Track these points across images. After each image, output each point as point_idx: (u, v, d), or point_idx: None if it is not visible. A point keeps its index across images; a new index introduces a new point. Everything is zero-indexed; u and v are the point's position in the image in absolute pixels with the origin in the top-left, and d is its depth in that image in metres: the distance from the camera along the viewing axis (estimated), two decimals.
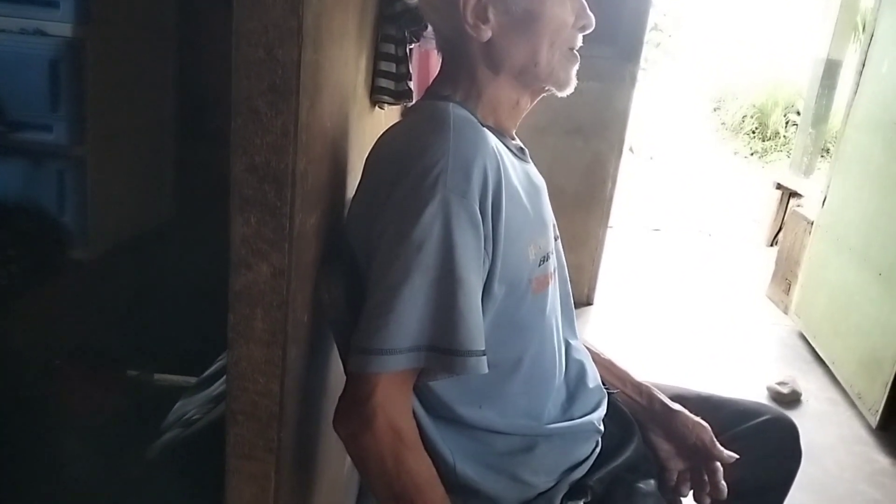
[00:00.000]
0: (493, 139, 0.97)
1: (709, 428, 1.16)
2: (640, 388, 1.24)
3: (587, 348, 1.24)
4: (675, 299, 3.73)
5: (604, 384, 1.19)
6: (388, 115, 1.41)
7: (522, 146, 1.11)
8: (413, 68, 1.68)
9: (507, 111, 1.05)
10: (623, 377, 1.26)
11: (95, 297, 1.82)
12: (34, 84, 1.50)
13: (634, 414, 1.22)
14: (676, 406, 1.20)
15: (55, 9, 1.49)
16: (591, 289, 3.39)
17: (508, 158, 1.00)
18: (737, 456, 1.14)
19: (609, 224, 3.41)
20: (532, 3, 0.98)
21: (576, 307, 3.44)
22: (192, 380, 1.91)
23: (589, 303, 3.39)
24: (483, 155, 0.91)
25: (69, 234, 1.62)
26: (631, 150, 7.57)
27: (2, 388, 1.59)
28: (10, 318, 1.58)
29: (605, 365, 1.26)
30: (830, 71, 4.41)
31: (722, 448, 1.14)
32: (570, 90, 1.06)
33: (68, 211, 1.61)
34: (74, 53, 1.52)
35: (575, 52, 1.05)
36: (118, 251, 1.80)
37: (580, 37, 1.04)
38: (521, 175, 1.03)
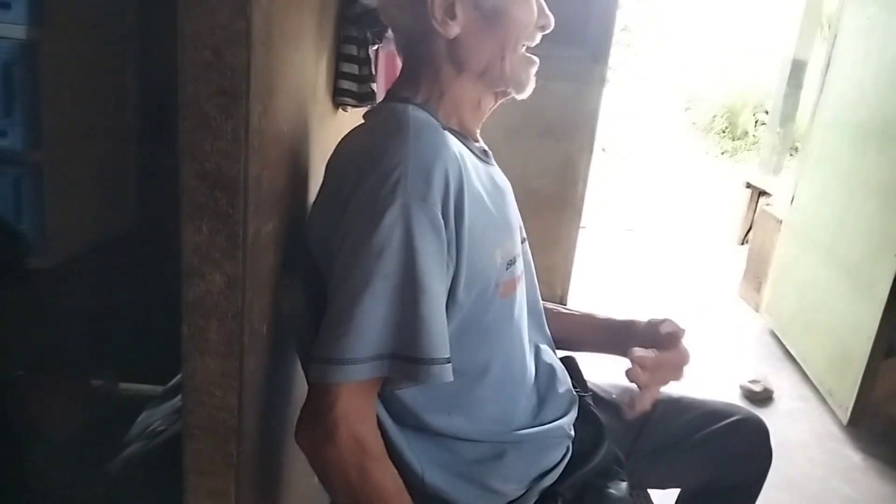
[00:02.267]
0: (454, 142, 0.95)
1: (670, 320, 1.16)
2: (619, 324, 1.23)
3: (560, 312, 1.25)
4: (648, 299, 3.74)
5: (574, 388, 1.17)
6: (353, 118, 1.38)
7: (486, 148, 1.09)
8: (380, 70, 1.66)
9: (470, 112, 1.04)
10: (604, 323, 1.25)
11: (56, 306, 1.77)
12: None
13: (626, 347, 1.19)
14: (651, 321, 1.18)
15: (7, 10, 1.44)
16: (564, 290, 3.39)
17: (471, 161, 0.99)
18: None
19: (581, 224, 3.42)
20: (501, 0, 0.97)
21: None
22: (159, 388, 1.87)
23: (562, 303, 3.38)
24: (443, 158, 0.89)
25: (27, 242, 1.57)
26: (603, 150, 7.60)
27: None
28: None
29: (585, 322, 1.27)
30: (796, 70, 4.46)
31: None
32: (528, 93, 1.05)
33: (25, 218, 1.56)
34: (28, 56, 1.47)
35: (533, 57, 1.04)
36: (79, 259, 1.76)
37: (539, 36, 1.03)
38: (484, 178, 1.01)
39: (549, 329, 1.20)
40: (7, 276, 1.56)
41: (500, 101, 1.07)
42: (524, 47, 1.02)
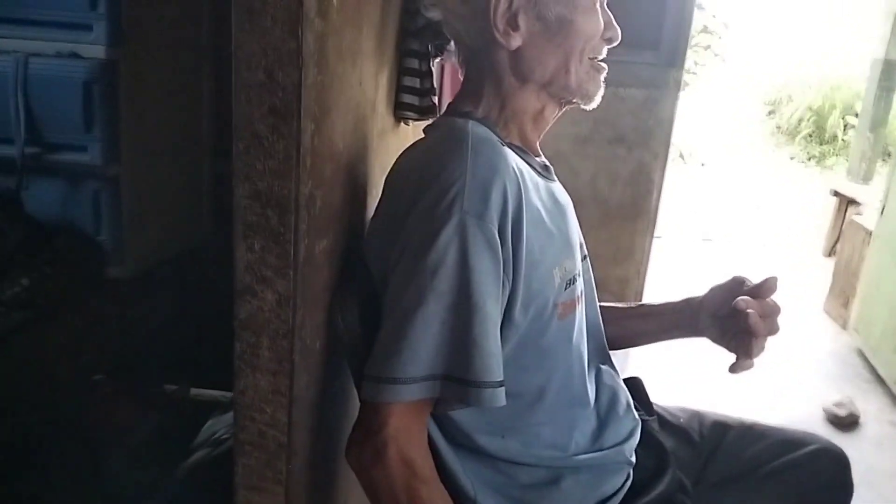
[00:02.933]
0: (513, 158, 0.93)
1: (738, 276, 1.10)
2: (679, 304, 1.18)
3: (618, 308, 1.21)
4: None
5: (637, 410, 1.13)
6: (415, 131, 1.38)
7: (547, 164, 1.06)
8: (446, 82, 1.65)
9: (531, 123, 1.02)
10: (662, 308, 1.21)
11: (133, 314, 1.85)
12: (69, 106, 1.53)
13: (684, 325, 1.16)
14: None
15: (89, 31, 1.52)
16: (638, 302, 3.29)
17: (530, 177, 0.96)
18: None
19: (657, 234, 3.32)
20: (565, 10, 0.95)
21: None
22: (229, 394, 1.92)
23: None
24: (502, 175, 0.87)
25: (105, 252, 1.64)
26: (681, 156, 7.39)
27: (42, 404, 1.62)
28: (49, 337, 1.61)
29: (643, 312, 1.24)
30: (889, 72, 4.23)
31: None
32: (596, 102, 1.02)
33: (104, 230, 1.63)
34: (108, 75, 1.54)
35: (601, 62, 1.01)
36: (155, 269, 1.82)
37: (605, 49, 1.00)
38: (544, 194, 0.99)
39: (606, 330, 1.16)
40: (87, 285, 1.63)
41: (564, 109, 1.04)
42: (593, 58, 0.99)
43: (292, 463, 0.81)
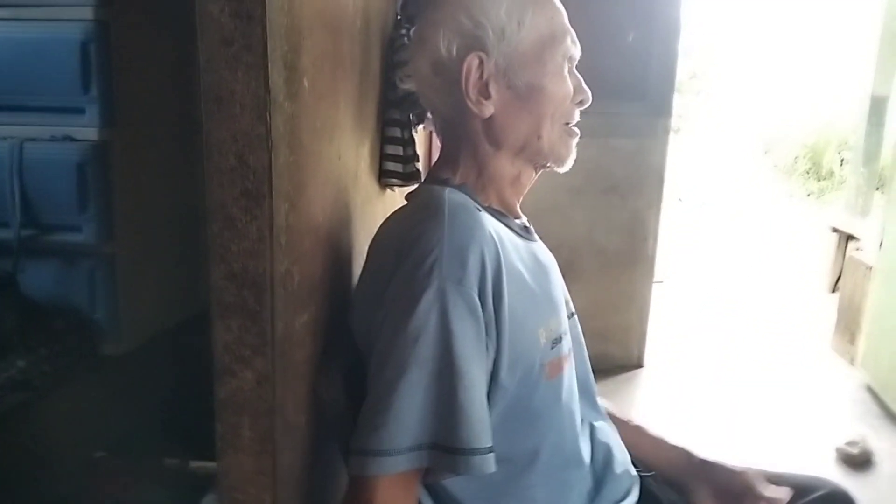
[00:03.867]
0: (490, 222, 0.94)
1: (754, 471, 1.08)
2: (677, 449, 1.16)
3: (613, 417, 1.18)
4: (732, 355, 3.56)
5: (635, 466, 1.12)
6: (402, 196, 1.40)
7: (527, 224, 1.08)
8: (435, 148, 1.69)
9: (509, 187, 1.03)
10: (657, 442, 1.18)
11: (129, 389, 1.84)
12: (63, 188, 1.55)
13: (678, 477, 1.13)
14: (717, 458, 1.12)
15: (81, 115, 1.55)
16: (641, 350, 3.27)
17: (510, 240, 0.97)
18: (789, 490, 1.04)
19: (657, 279, 3.32)
20: (534, 77, 0.97)
21: (626, 370, 3.30)
22: None
23: (639, 365, 3.26)
24: (478, 240, 0.88)
25: (101, 330, 1.65)
26: (680, 199, 7.43)
27: (42, 484, 1.60)
28: (46, 417, 1.60)
29: (635, 431, 1.19)
30: (876, 107, 4.27)
31: (771, 487, 1.05)
32: (568, 167, 1.04)
33: (99, 308, 1.64)
34: (101, 156, 1.57)
35: (573, 127, 1.03)
36: (152, 344, 1.83)
37: (577, 112, 1.02)
38: (525, 255, 1.00)
39: None
40: (83, 363, 1.64)
41: (540, 173, 1.06)
42: (565, 123, 1.01)
43: None
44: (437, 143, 1.68)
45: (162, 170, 1.80)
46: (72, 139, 1.56)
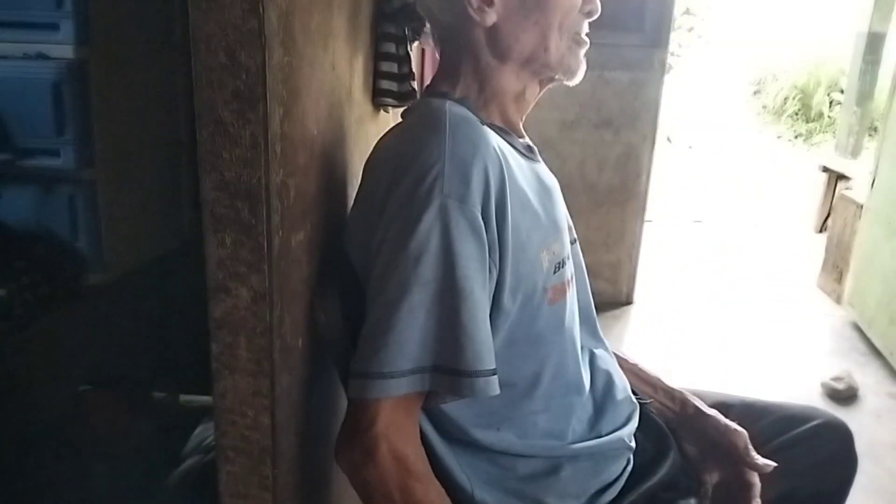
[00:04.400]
0: (495, 138, 0.89)
1: (744, 433, 1.06)
2: (672, 394, 1.15)
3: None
4: (720, 294, 3.57)
5: (634, 394, 1.10)
6: (396, 118, 1.34)
7: (531, 144, 1.03)
8: (427, 67, 1.61)
9: (513, 104, 0.98)
10: (653, 382, 1.17)
11: (116, 320, 1.80)
12: (39, 109, 1.48)
13: (667, 422, 1.13)
14: (711, 410, 1.11)
15: (55, 31, 1.47)
16: (631, 287, 3.27)
17: (514, 158, 0.93)
18: (773, 464, 1.03)
19: (647, 218, 3.29)
20: None
21: (615, 307, 3.31)
22: None
23: (629, 302, 3.27)
24: (483, 156, 0.83)
25: (84, 258, 1.60)
26: (668, 139, 7.37)
27: (27, 416, 1.57)
28: (30, 347, 1.56)
29: (632, 370, 1.17)
30: (873, 45, 4.20)
31: (757, 456, 1.04)
32: (579, 78, 0.98)
33: (82, 236, 1.59)
34: (77, 75, 1.49)
35: (583, 36, 0.97)
36: (137, 273, 1.78)
37: (586, 23, 0.97)
38: (529, 176, 0.95)
39: None
40: (66, 292, 1.59)
41: (546, 88, 1.00)
42: (574, 33, 0.96)
43: (278, 467, 0.77)
44: (429, 62, 1.61)
45: (143, 92, 1.72)
46: (45, 57, 1.48)
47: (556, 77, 0.98)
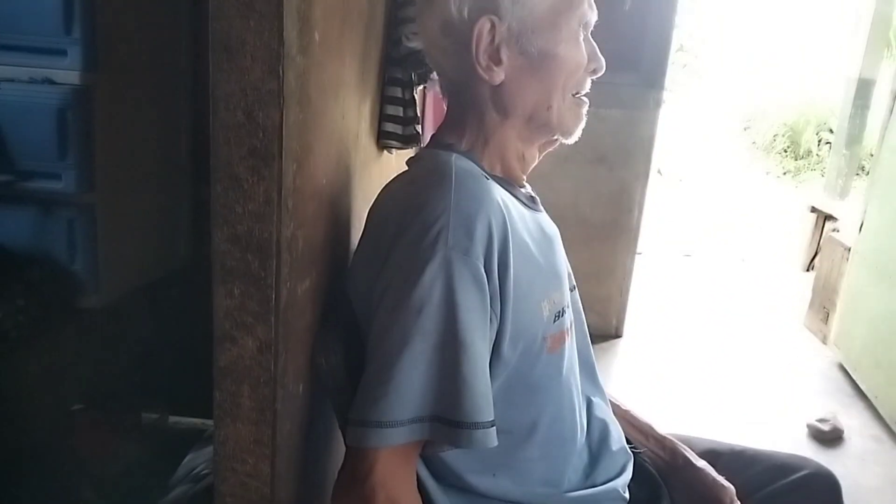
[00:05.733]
0: (498, 191, 0.91)
1: (731, 489, 1.08)
2: (664, 443, 1.16)
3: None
4: (708, 329, 3.60)
5: (627, 442, 1.11)
6: (398, 159, 1.36)
7: (533, 195, 1.05)
8: (429, 110, 1.64)
9: (515, 160, 1.00)
10: (645, 430, 1.18)
11: (108, 342, 1.80)
12: (42, 133, 1.49)
13: (658, 470, 1.14)
14: (700, 462, 1.12)
15: (63, 57, 1.48)
16: (620, 321, 3.29)
17: (516, 209, 0.94)
18: None
19: (637, 251, 3.32)
20: (548, 44, 0.93)
21: (604, 340, 3.32)
22: (208, 422, 1.88)
23: (618, 335, 3.29)
24: (487, 209, 0.85)
25: (79, 282, 1.60)
26: (659, 172, 7.44)
27: (18, 437, 1.56)
28: (23, 369, 1.56)
29: (624, 417, 1.18)
30: (863, 90, 4.28)
31: None
32: (576, 138, 1.01)
33: (78, 259, 1.59)
34: (82, 101, 1.50)
35: (583, 97, 1.00)
36: (131, 297, 1.78)
37: (589, 81, 0.99)
38: (531, 226, 0.97)
39: None
40: (61, 315, 1.59)
41: (546, 152, 1.03)
42: (575, 92, 0.98)
43: None
44: (430, 104, 1.64)
45: (146, 119, 1.73)
46: (52, 82, 1.49)
47: (555, 138, 1.00)
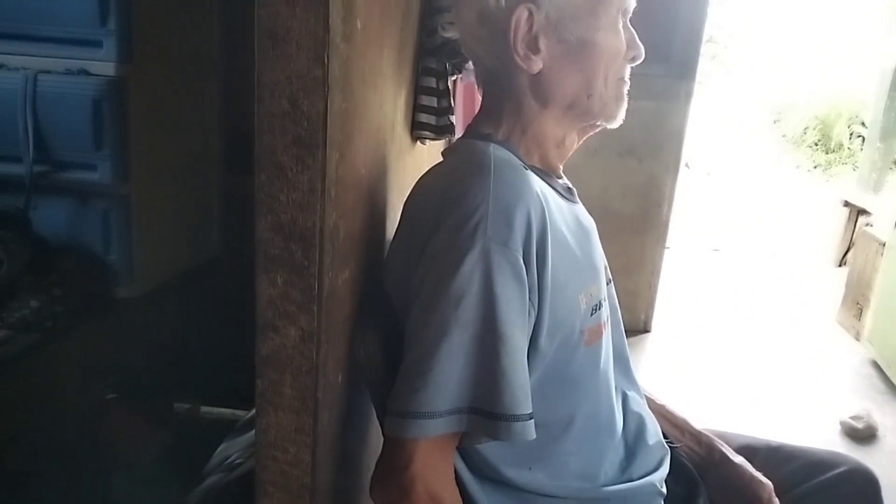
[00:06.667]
0: (536, 181, 0.90)
1: (769, 485, 1.07)
2: (700, 438, 1.15)
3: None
4: (738, 324, 3.56)
5: (664, 437, 1.10)
6: (430, 149, 1.36)
7: (570, 186, 1.04)
8: (458, 102, 1.63)
9: (553, 148, 0.99)
10: (681, 425, 1.17)
11: (142, 333, 1.82)
12: (78, 124, 1.49)
13: (694, 466, 1.13)
14: (738, 458, 1.11)
15: (98, 48, 1.49)
16: (649, 315, 3.26)
17: (554, 201, 0.93)
18: None
19: (666, 245, 3.29)
20: (587, 31, 0.92)
21: (632, 335, 3.31)
22: (240, 412, 1.89)
23: (646, 330, 3.26)
24: (526, 200, 0.84)
25: (114, 272, 1.61)
26: (687, 165, 7.37)
27: (53, 427, 1.59)
28: (58, 359, 1.58)
29: (660, 412, 1.17)
30: None
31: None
32: (620, 122, 0.99)
33: (113, 250, 1.60)
34: (118, 92, 1.51)
35: (626, 79, 0.98)
36: (165, 288, 1.79)
37: (629, 68, 0.97)
38: (568, 218, 0.96)
39: None
40: (96, 305, 1.60)
41: (586, 137, 1.01)
42: (617, 79, 0.97)
43: (316, 503, 0.78)
44: (460, 95, 1.63)
45: (180, 110, 1.74)
46: (88, 73, 1.50)
47: (598, 124, 0.99)
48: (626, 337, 1.15)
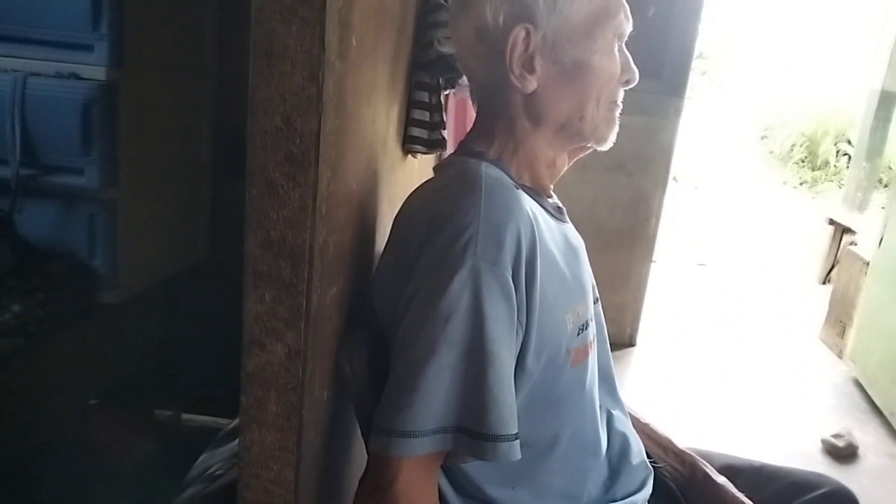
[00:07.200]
0: (527, 201, 0.90)
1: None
2: (683, 458, 1.15)
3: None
4: (721, 340, 3.58)
5: (647, 456, 1.10)
6: (422, 164, 1.36)
7: (560, 205, 1.04)
8: (450, 116, 1.63)
9: (544, 169, 0.99)
10: (664, 444, 1.17)
11: (126, 339, 1.80)
12: (67, 127, 1.48)
13: (677, 485, 1.13)
14: (720, 478, 1.11)
15: (90, 52, 1.48)
16: (634, 329, 3.27)
17: (544, 220, 0.94)
18: None
19: (652, 259, 3.31)
20: (582, 53, 0.92)
21: (617, 348, 3.32)
22: (221, 421, 1.88)
23: (631, 344, 3.27)
24: (516, 219, 0.84)
25: (99, 277, 1.60)
26: (675, 179, 7.41)
27: (34, 432, 1.57)
28: (41, 363, 1.56)
29: (644, 431, 1.17)
30: (886, 103, 4.24)
31: None
32: (610, 144, 1.00)
33: (98, 255, 1.58)
34: (108, 97, 1.50)
35: (618, 103, 0.99)
36: (150, 294, 1.78)
37: (622, 92, 0.98)
38: (557, 237, 0.96)
39: None
40: (80, 310, 1.59)
41: (577, 158, 1.02)
42: (610, 102, 0.97)
43: None
44: (451, 112, 1.63)
45: (169, 116, 1.73)
46: (78, 77, 1.49)
47: (588, 146, 0.99)
48: (612, 351, 1.16)
